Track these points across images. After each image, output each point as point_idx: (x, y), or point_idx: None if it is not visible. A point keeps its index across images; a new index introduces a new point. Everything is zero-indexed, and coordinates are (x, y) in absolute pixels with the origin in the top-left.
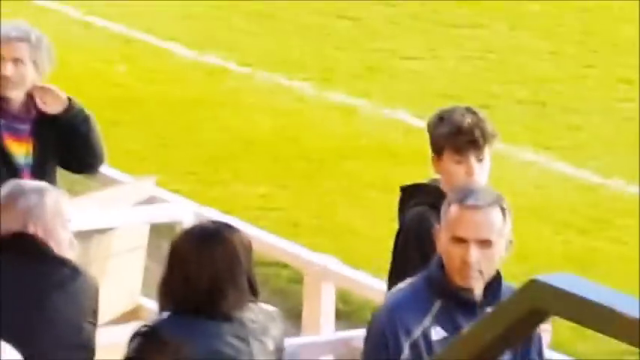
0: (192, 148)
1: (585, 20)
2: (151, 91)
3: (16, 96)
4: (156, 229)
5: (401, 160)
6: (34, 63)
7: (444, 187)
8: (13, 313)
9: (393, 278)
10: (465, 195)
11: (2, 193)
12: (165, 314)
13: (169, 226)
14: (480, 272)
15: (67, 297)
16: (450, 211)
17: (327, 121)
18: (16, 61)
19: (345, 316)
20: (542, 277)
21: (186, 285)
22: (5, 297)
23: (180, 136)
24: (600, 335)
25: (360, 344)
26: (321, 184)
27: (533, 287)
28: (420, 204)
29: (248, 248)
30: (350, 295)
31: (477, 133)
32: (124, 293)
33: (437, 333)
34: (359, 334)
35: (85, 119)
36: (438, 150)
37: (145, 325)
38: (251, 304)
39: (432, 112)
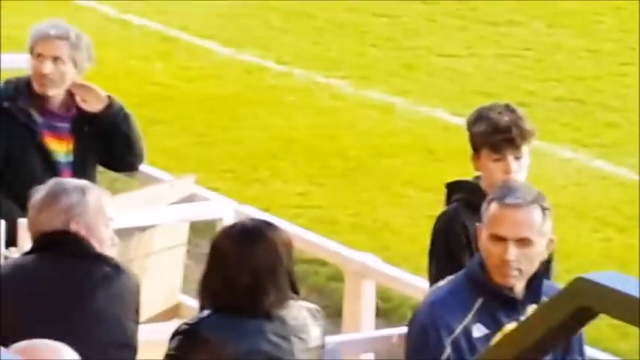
0: (230, 146)
1: (623, 18)
2: (189, 89)
3: (56, 94)
4: (194, 228)
5: (438, 157)
6: (74, 61)
7: (483, 184)
8: (57, 312)
9: (429, 275)
10: (504, 193)
11: (44, 191)
12: (206, 313)
13: (208, 224)
14: (519, 270)
15: (109, 295)
16: (490, 209)
17: (365, 119)
18: (56, 59)
19: (384, 313)
20: (589, 275)
21: (227, 283)
22: (48, 296)
23: (218, 134)
24: None
25: (400, 342)
26: (359, 181)
27: (580, 285)
28: (458, 200)
29: (288, 246)
30: (389, 293)
31: (515, 131)
32: (163, 291)
33: (478, 330)
34: (399, 331)
35: (125, 117)
36: (476, 147)
37: (186, 324)
38: (292, 302)
39: (469, 110)
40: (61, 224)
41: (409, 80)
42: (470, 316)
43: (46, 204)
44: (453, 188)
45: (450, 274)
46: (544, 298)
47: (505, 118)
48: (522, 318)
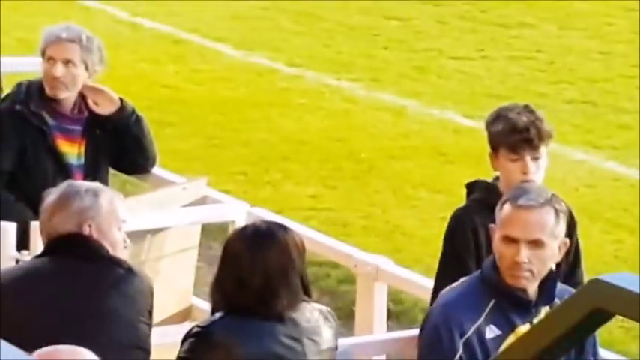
0: (241, 148)
1: (634, 19)
2: (200, 91)
3: (67, 97)
4: (206, 230)
5: (450, 159)
6: (85, 64)
7: (501, 185)
8: (69, 314)
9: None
10: (517, 195)
11: (56, 194)
12: (218, 315)
13: (220, 227)
14: (531, 272)
15: (122, 297)
16: (503, 210)
17: (377, 122)
18: (67, 62)
19: (396, 316)
20: (604, 276)
21: (239, 285)
22: (61, 298)
23: (229, 136)
24: None
25: (412, 344)
26: (371, 184)
27: (595, 287)
28: (474, 201)
29: (301, 248)
30: (401, 295)
31: (532, 132)
32: (176, 294)
33: (491, 331)
34: (411, 333)
35: (137, 120)
36: (494, 148)
37: (198, 326)
38: (304, 304)
39: (480, 112)
40: (74, 227)
41: (421, 83)
42: (482, 318)
43: (58, 207)
44: (471, 188)
45: (454, 273)
46: (557, 301)
47: (523, 119)
48: (535, 320)
